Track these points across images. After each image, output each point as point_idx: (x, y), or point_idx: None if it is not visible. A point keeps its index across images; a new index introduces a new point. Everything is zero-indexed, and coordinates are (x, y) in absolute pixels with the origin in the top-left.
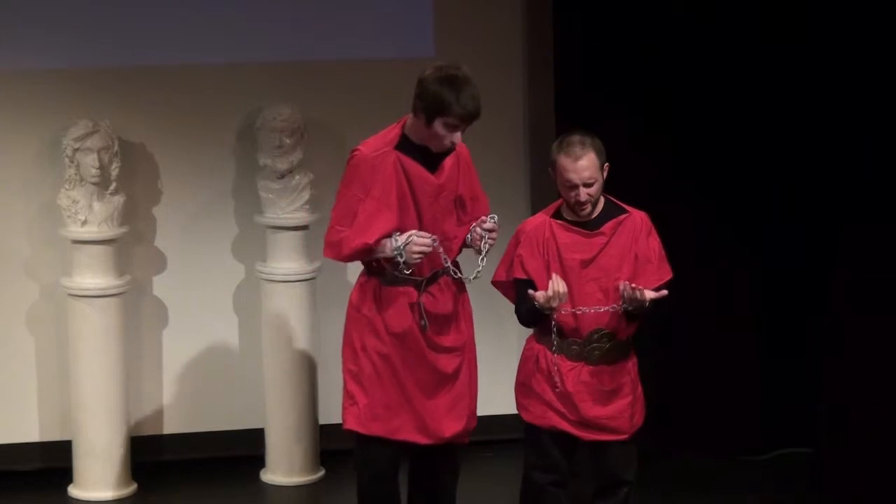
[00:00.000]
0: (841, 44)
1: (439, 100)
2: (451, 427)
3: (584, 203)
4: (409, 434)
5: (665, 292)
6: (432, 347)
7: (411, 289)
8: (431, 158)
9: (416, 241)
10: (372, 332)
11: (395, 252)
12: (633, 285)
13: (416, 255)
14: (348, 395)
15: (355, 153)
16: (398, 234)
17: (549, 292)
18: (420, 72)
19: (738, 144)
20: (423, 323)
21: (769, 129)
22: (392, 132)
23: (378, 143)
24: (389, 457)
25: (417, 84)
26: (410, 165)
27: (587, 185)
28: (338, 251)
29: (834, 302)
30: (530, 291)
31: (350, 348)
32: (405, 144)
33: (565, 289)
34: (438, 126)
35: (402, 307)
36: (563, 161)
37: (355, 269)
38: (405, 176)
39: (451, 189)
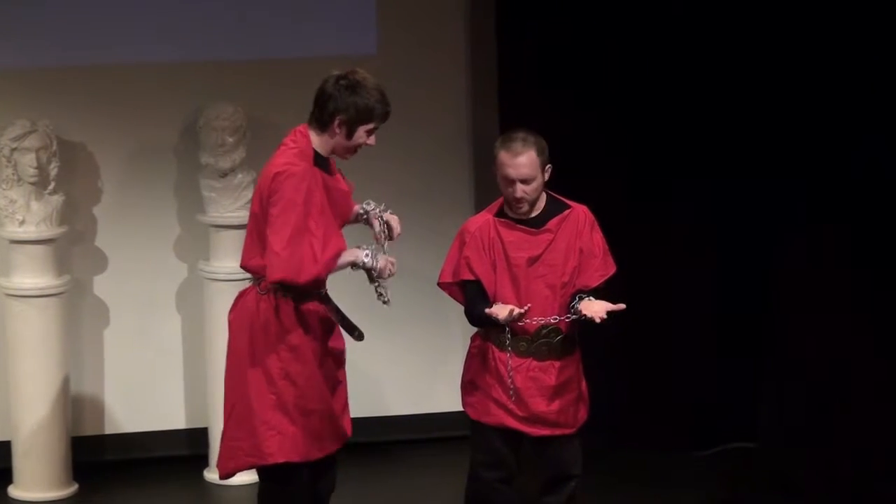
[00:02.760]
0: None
1: (362, 108)
2: (349, 423)
3: (519, 199)
4: (333, 445)
5: (623, 306)
6: (334, 355)
7: (318, 303)
8: (330, 167)
9: (387, 259)
10: (295, 358)
11: (371, 261)
12: (590, 311)
13: (388, 269)
14: (269, 427)
15: (293, 170)
16: (362, 248)
17: (510, 316)
18: (323, 82)
19: (691, 142)
20: (357, 333)
21: (720, 126)
22: (305, 150)
23: (300, 160)
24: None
25: (327, 100)
26: (327, 179)
27: (524, 182)
28: (299, 271)
29: (778, 300)
30: (488, 311)
31: (263, 375)
32: (317, 160)
33: (524, 310)
34: (361, 134)
35: (317, 322)
36: (503, 156)
37: None
38: (327, 191)
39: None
